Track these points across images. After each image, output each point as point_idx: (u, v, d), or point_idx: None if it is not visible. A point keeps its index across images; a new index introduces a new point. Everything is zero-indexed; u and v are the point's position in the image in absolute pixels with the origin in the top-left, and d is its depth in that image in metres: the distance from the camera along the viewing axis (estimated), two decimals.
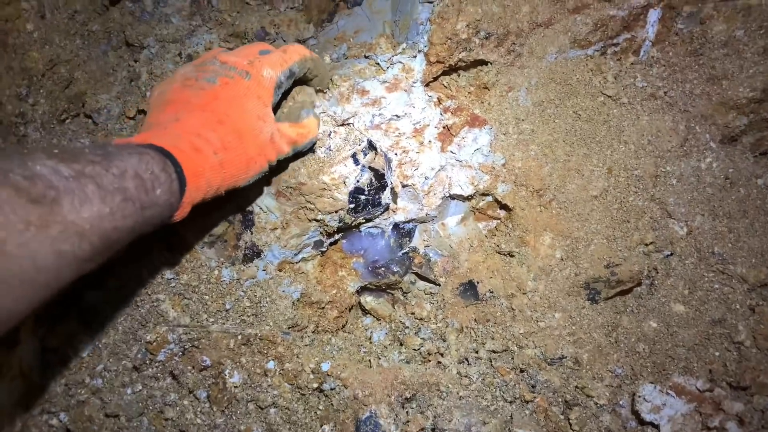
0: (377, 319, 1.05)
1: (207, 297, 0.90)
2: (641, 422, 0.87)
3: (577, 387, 0.91)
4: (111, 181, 0.56)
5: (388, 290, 1.05)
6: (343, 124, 0.94)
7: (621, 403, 0.90)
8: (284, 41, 1.05)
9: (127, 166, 0.59)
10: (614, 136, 0.98)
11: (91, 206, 0.53)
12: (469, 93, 1.03)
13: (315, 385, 0.86)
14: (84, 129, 1.00)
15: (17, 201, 0.47)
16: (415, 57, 1.00)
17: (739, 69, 0.95)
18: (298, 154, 0.90)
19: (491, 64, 1.00)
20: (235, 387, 0.85)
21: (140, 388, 0.84)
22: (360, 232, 1.01)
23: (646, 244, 0.96)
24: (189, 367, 0.85)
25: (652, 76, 1.00)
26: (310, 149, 0.92)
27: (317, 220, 0.95)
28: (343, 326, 1.02)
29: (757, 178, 0.99)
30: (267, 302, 0.93)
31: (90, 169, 0.55)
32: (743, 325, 0.92)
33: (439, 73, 1.01)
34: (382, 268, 1.02)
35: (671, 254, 0.97)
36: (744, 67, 0.95)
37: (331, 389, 0.86)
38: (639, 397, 0.87)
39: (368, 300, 1.04)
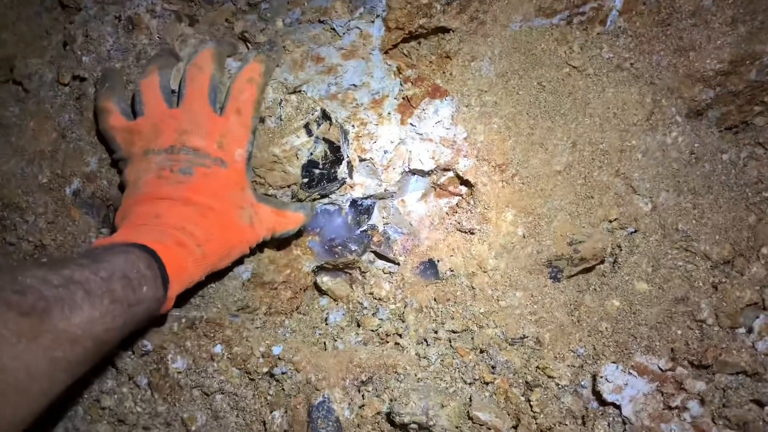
0: (334, 299, 1.00)
1: None
2: (603, 403, 0.85)
3: (538, 368, 0.88)
4: (99, 285, 0.59)
5: (346, 270, 1.01)
6: (294, 92, 0.88)
7: (583, 383, 0.88)
8: (234, 4, 0.98)
9: (115, 268, 0.62)
10: (579, 109, 0.94)
11: (81, 312, 0.56)
12: (430, 62, 0.98)
13: (265, 370, 0.81)
14: (13, 97, 0.92)
15: (8, 315, 0.50)
16: (373, 22, 0.94)
17: (707, 40, 0.92)
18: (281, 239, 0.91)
19: (453, 31, 0.95)
20: (179, 372, 0.79)
21: None
22: (316, 208, 0.96)
23: (610, 221, 0.94)
24: (128, 353, 0.80)
25: (619, 46, 0.97)
26: (294, 236, 0.93)
27: (268, 196, 0.89)
28: (298, 308, 0.97)
29: (722, 154, 0.97)
30: (215, 283, 0.87)
31: (79, 274, 0.57)
32: (706, 303, 0.90)
33: (398, 40, 0.96)
34: (339, 247, 0.98)
35: (635, 231, 0.94)
36: (712, 37, 0.92)
37: (283, 373, 0.82)
38: (601, 377, 0.85)
39: (325, 280, 0.99)
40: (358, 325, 0.96)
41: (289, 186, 0.89)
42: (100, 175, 0.87)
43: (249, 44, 0.93)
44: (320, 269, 1.00)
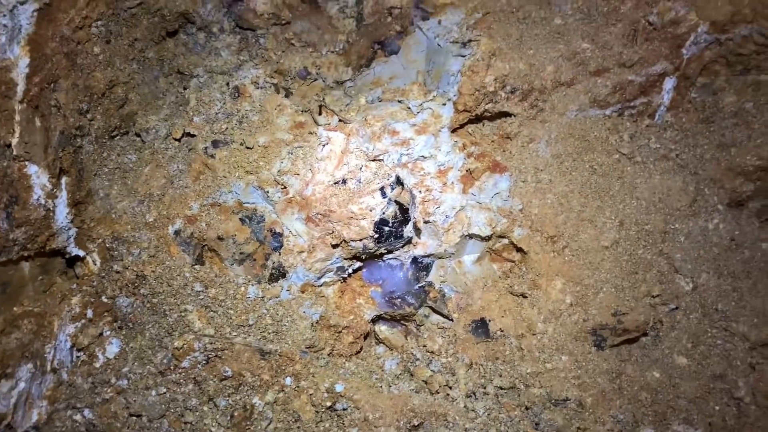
0: (390, 348, 1.09)
1: (232, 311, 0.95)
2: None
3: (579, 428, 0.93)
4: None
5: (402, 321, 1.10)
6: (374, 160, 1.00)
7: None
8: (324, 81, 1.14)
9: None
10: (627, 192, 1.04)
11: None
12: (492, 141, 1.10)
13: (328, 404, 0.90)
14: (132, 146, 1.07)
15: None
16: (444, 105, 1.07)
17: (748, 138, 1.02)
18: None
19: (515, 116, 1.07)
20: (252, 398, 0.88)
21: (164, 391, 0.88)
22: (380, 262, 1.06)
23: (653, 296, 1.01)
24: (211, 376, 0.89)
25: (666, 138, 1.07)
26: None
27: (342, 247, 1.00)
28: (358, 352, 1.06)
29: (761, 242, 1.04)
30: (288, 321, 0.97)
31: None
32: (743, 382, 0.95)
33: (465, 120, 1.08)
34: (398, 299, 1.07)
35: (676, 308, 1.01)
36: (752, 136, 1.02)
37: (344, 409, 0.89)
38: None
39: (383, 329, 1.08)
40: (411, 375, 1.03)
41: (361, 239, 0.99)
42: (200, 218, 1.00)
43: (337, 116, 1.07)
44: (379, 318, 1.09)
